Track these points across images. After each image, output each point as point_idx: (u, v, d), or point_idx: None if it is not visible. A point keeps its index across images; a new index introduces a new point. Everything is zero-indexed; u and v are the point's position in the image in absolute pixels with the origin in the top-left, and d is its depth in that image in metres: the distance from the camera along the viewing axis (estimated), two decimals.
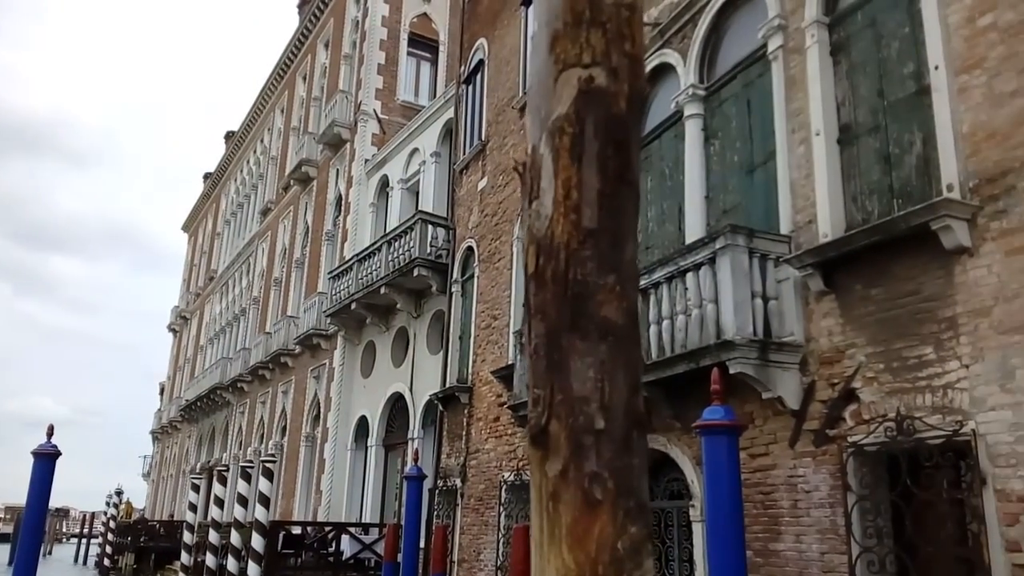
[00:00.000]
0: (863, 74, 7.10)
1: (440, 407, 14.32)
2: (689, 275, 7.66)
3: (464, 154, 15.48)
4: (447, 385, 14.09)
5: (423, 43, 22.53)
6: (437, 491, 13.90)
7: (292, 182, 25.52)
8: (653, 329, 8.12)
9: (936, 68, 6.19)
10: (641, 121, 1.53)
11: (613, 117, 1.42)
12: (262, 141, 31.75)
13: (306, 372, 21.51)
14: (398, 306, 16.71)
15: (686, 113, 9.23)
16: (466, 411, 13.42)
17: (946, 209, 5.72)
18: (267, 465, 14.94)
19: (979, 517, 5.37)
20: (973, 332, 5.62)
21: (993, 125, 5.72)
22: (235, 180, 35.48)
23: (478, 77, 15.53)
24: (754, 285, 7.21)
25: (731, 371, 6.87)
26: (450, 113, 16.83)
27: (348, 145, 21.68)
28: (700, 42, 9.15)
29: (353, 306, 17.57)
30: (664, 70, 9.87)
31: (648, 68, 10.01)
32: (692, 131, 9.15)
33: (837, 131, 7.21)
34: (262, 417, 25.01)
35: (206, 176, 41.92)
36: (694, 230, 8.76)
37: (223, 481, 17.77)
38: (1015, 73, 5.62)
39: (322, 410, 20.12)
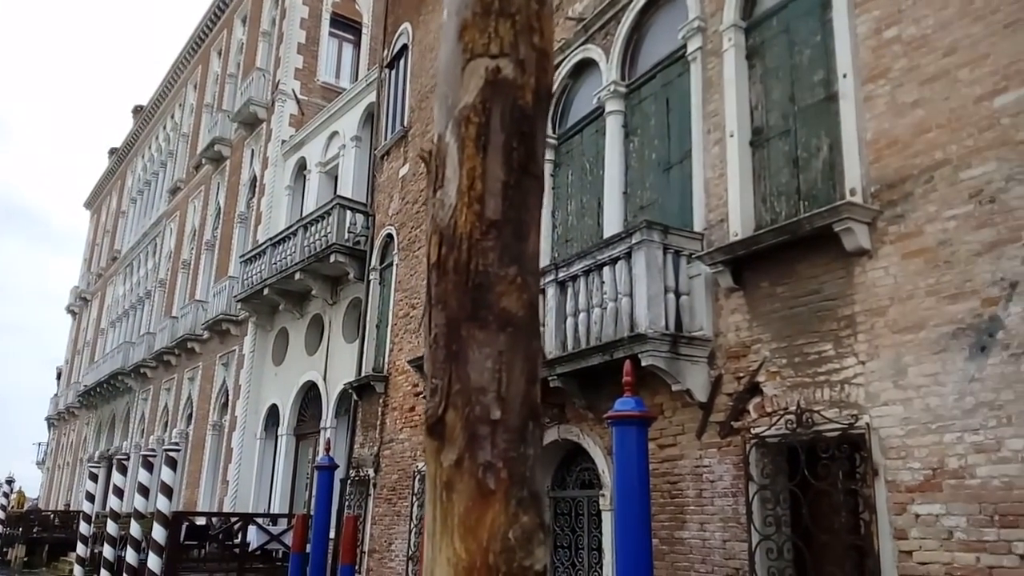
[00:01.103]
0: (776, 79, 7.34)
1: (355, 396, 14.12)
2: (606, 269, 7.77)
3: (386, 139, 15.26)
4: (362, 374, 13.89)
5: (346, 24, 22.05)
6: (349, 481, 13.71)
7: (204, 161, 24.61)
8: (570, 321, 8.22)
9: (844, 76, 6.46)
10: (547, 114, 1.52)
11: (519, 109, 1.42)
12: (173, 117, 30.48)
13: (214, 358, 20.84)
14: (313, 293, 16.36)
15: (607, 109, 9.35)
16: (381, 401, 13.28)
17: (848, 212, 5.98)
18: (170, 454, 14.42)
19: (871, 507, 5.66)
20: (870, 330, 5.91)
21: (895, 133, 6.01)
22: (143, 157, 33.96)
23: (402, 62, 15.32)
24: (667, 280, 7.38)
25: (643, 363, 7.02)
26: (372, 97, 16.54)
27: (264, 125, 21.04)
28: (623, 39, 9.27)
29: (266, 291, 17.10)
30: (587, 65, 9.97)
31: (572, 62, 10.09)
32: (613, 127, 9.28)
33: (750, 133, 7.44)
34: (166, 404, 24.11)
35: (111, 151, 39.94)
36: (612, 225, 8.89)
37: (123, 470, 17.07)
38: (916, 85, 5.92)
39: (230, 398, 19.55)
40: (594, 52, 9.74)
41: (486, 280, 1.37)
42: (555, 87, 10.35)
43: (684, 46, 8.29)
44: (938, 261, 5.55)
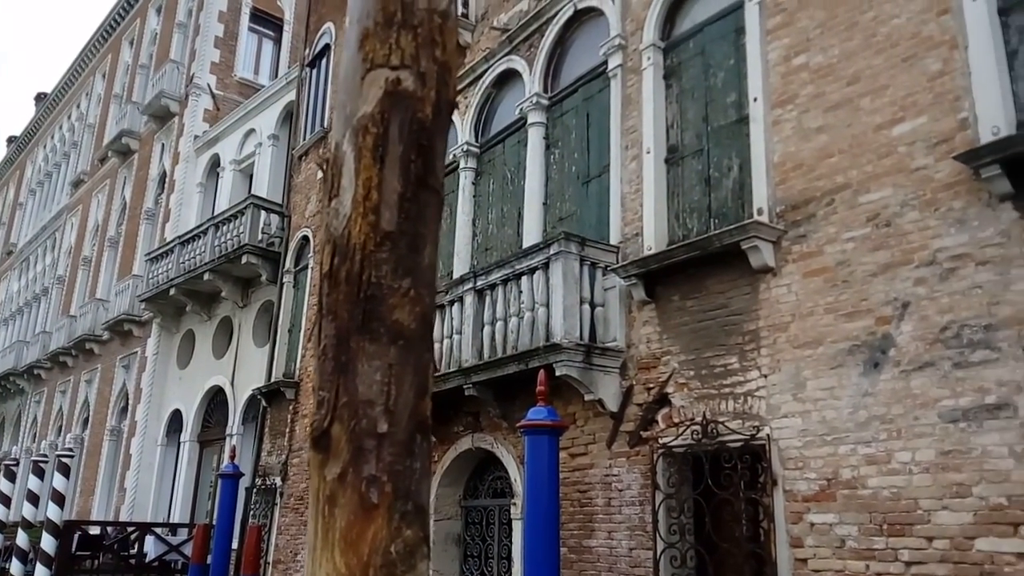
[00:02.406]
0: (692, 99, 7.56)
1: (263, 402, 13.73)
2: (524, 278, 7.82)
3: (304, 139, 14.96)
4: (272, 379, 13.53)
5: (267, 20, 21.52)
6: (255, 490, 13.31)
7: (110, 153, 23.52)
8: (487, 330, 8.23)
9: (755, 100, 6.71)
10: (448, 128, 1.52)
11: (418, 121, 1.41)
12: (78, 107, 29.02)
13: (114, 360, 19.89)
14: (223, 294, 15.83)
15: (529, 120, 9.43)
16: (291, 407, 12.95)
17: (755, 231, 6.20)
18: (63, 460, 13.66)
19: (770, 516, 5.87)
20: (772, 345, 6.14)
21: (800, 157, 6.28)
22: (44, 147, 32.17)
23: (323, 61, 15.07)
24: (583, 291, 7.49)
25: (557, 373, 7.08)
26: (292, 96, 16.19)
27: (177, 119, 20.28)
28: (546, 52, 9.38)
29: (172, 291, 16.44)
30: (511, 75, 10.04)
31: (496, 72, 10.14)
32: (534, 138, 9.36)
33: (666, 151, 7.63)
34: (61, 408, 22.85)
35: (10, 140, 37.72)
36: (532, 235, 8.96)
37: (11, 477, 16.04)
38: (821, 111, 6.20)
39: (131, 402, 18.68)
40: (518, 63, 9.82)
41: (378, 292, 1.35)
42: (479, 96, 10.38)
43: (605, 62, 8.46)
44: (837, 280, 5.81)
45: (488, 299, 8.33)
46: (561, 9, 9.19)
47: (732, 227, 6.43)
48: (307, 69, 15.56)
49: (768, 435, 5.97)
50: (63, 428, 22.32)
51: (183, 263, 16.32)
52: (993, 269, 4.97)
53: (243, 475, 12.23)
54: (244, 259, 14.60)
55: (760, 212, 6.40)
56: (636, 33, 8.11)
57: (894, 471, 5.20)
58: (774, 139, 6.50)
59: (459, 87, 10.66)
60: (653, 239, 7.35)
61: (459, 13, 10.83)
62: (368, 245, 1.36)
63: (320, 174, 13.99)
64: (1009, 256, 4.91)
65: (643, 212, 7.56)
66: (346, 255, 1.38)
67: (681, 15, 7.87)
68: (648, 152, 7.65)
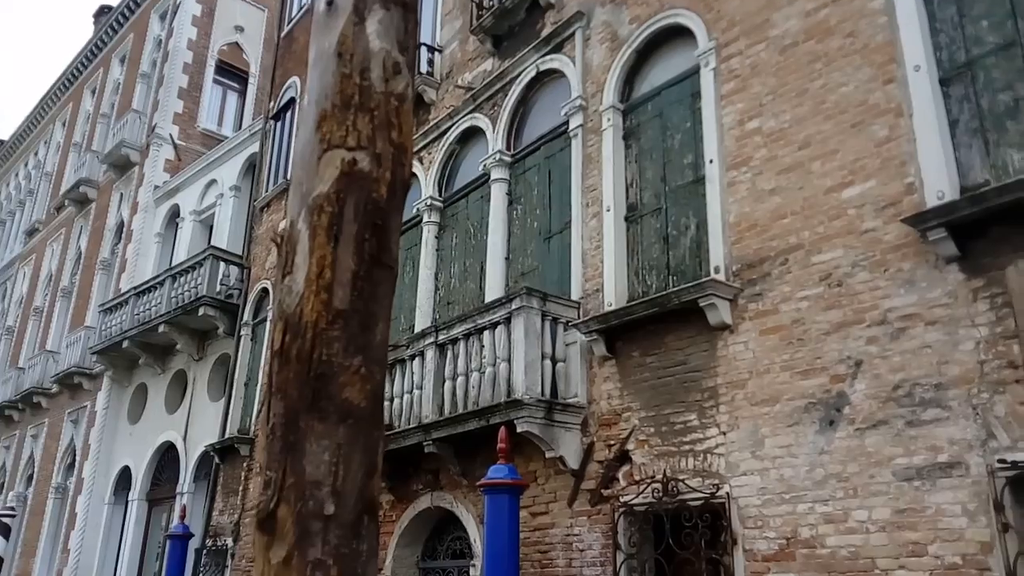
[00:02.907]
0: (650, 159, 7.74)
1: (216, 459, 13.35)
2: (486, 333, 7.81)
3: (267, 191, 14.91)
4: (226, 435, 13.18)
5: (232, 72, 21.61)
6: (205, 551, 12.84)
7: (67, 202, 23.15)
8: (448, 385, 8.17)
9: (711, 162, 6.89)
10: (403, 206, 1.54)
11: (373, 201, 1.43)
12: (36, 154, 28.62)
13: (62, 414, 19.24)
14: (178, 347, 15.49)
15: (492, 176, 9.54)
16: (246, 464, 12.61)
17: (712, 289, 6.31)
18: (4, 520, 13.08)
19: (730, 575, 5.82)
20: (731, 402, 6.18)
21: (754, 217, 6.43)
22: None
23: (288, 114, 15.14)
24: (545, 347, 7.49)
25: (519, 430, 7.03)
26: (255, 147, 16.19)
27: (137, 169, 20.09)
28: (509, 111, 9.55)
29: (125, 344, 16.05)
30: (475, 132, 10.18)
31: (460, 129, 10.29)
32: (497, 194, 9.46)
33: (625, 209, 7.77)
34: (4, 464, 21.94)
35: None
36: (494, 289, 8.98)
37: None
38: (774, 174, 6.39)
39: (78, 458, 18.02)
40: (481, 121, 9.98)
41: (329, 370, 1.34)
42: (443, 151, 10.50)
43: (567, 122, 8.63)
44: (792, 338, 5.91)
45: (450, 353, 8.28)
46: (524, 70, 9.40)
47: (690, 285, 6.53)
48: (271, 121, 15.61)
49: (728, 493, 5.97)
50: (5, 486, 21.40)
51: (138, 315, 15.98)
52: (941, 329, 5.10)
53: (193, 536, 11.81)
54: (201, 311, 14.35)
55: (717, 270, 6.52)
56: (596, 95, 8.32)
57: (851, 530, 5.23)
58: (729, 200, 6.66)
59: (424, 143, 10.78)
60: (613, 295, 7.42)
61: (424, 71, 11.01)
62: (320, 323, 1.35)
63: (282, 224, 13.91)
64: (956, 317, 5.05)
65: (604, 268, 7.64)
66: (297, 333, 1.37)
67: (639, 79, 8.10)
68: (608, 210, 7.77)
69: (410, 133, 1.51)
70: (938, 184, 5.30)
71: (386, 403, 8.90)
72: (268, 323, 13.13)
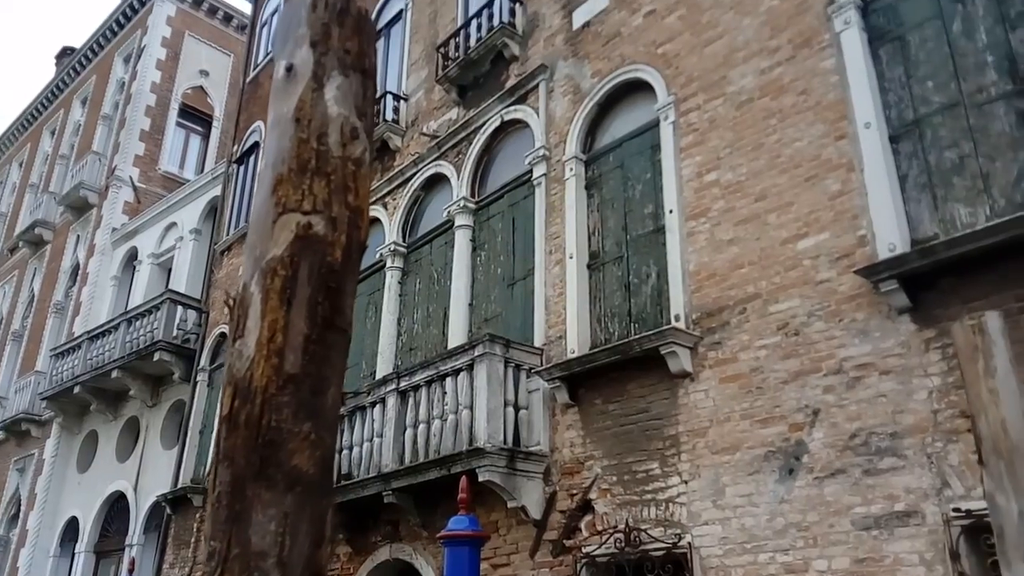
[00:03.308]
0: (612, 208, 7.86)
1: (168, 510, 12.94)
2: (448, 380, 7.76)
3: (228, 235, 14.77)
4: (179, 485, 12.80)
5: (196, 116, 21.55)
6: None
7: (21, 244, 22.66)
8: (409, 433, 8.07)
9: (671, 212, 7.02)
10: (358, 269, 1.55)
11: (328, 264, 1.43)
12: None
13: (8, 463, 18.54)
14: (131, 393, 15.10)
15: (457, 223, 9.59)
16: (198, 516, 12.23)
17: (673, 337, 6.37)
18: None
19: None
20: (692, 451, 6.20)
21: (713, 267, 6.54)
22: None
23: (252, 159, 15.09)
24: (507, 394, 7.46)
25: (480, 479, 6.95)
26: (217, 191, 16.08)
27: (95, 211, 19.79)
28: (474, 159, 9.65)
29: (77, 389, 15.60)
30: (439, 179, 10.26)
31: (425, 175, 10.36)
32: (461, 240, 9.50)
33: (588, 256, 7.85)
34: None
35: None
36: (457, 335, 8.95)
37: None
38: (732, 224, 6.53)
39: (23, 508, 17.33)
40: (446, 168, 10.06)
41: (278, 437, 1.33)
42: (407, 198, 10.54)
43: (530, 171, 8.75)
44: (751, 387, 5.97)
45: (411, 400, 8.20)
46: (489, 120, 9.54)
47: (651, 332, 6.58)
48: (234, 165, 15.54)
49: (690, 543, 5.94)
50: None
51: (90, 359, 15.58)
52: (896, 379, 5.20)
53: None
54: (156, 356, 14.05)
55: (677, 318, 6.59)
56: (559, 145, 8.46)
57: None
58: (689, 249, 6.78)
59: (389, 189, 10.82)
60: (576, 342, 7.45)
61: (390, 119, 11.09)
62: (270, 388, 1.34)
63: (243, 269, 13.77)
64: (910, 366, 5.16)
65: (567, 315, 7.68)
66: (247, 398, 1.35)
67: (601, 130, 8.27)
68: (571, 257, 7.84)
69: (367, 196, 1.53)
70: (889, 237, 5.46)
71: (345, 451, 8.75)
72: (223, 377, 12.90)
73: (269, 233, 1.43)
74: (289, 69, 1.53)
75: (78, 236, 20.20)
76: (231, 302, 1.48)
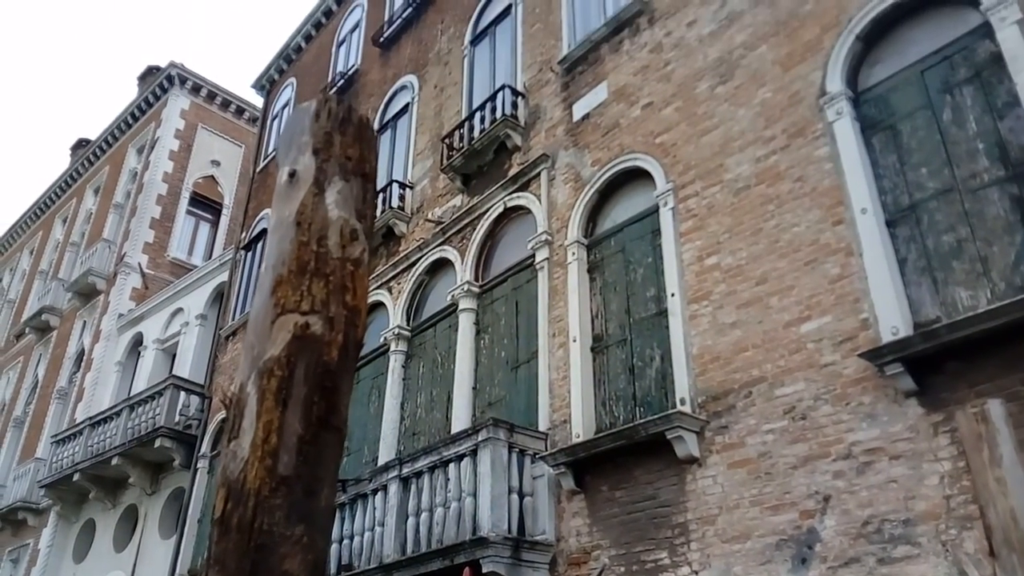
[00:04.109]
0: (615, 292, 7.92)
1: None
2: (451, 466, 7.65)
3: (233, 320, 14.85)
4: (176, 575, 12.46)
5: (206, 204, 21.99)
6: None
7: (28, 330, 22.78)
8: (411, 521, 7.90)
9: (673, 295, 7.07)
10: (354, 367, 1.57)
11: (324, 364, 1.45)
12: (0, 282, 28.38)
13: (2, 553, 18.11)
14: (131, 480, 14.88)
15: (460, 306, 9.65)
16: None
17: (679, 421, 6.31)
18: None
19: None
20: (701, 539, 6.05)
21: (717, 350, 6.54)
22: None
23: (259, 245, 15.32)
24: (512, 480, 7.34)
25: (484, 570, 6.76)
26: (224, 276, 16.26)
27: (103, 297, 19.96)
28: (477, 244, 9.80)
29: (76, 477, 15.38)
30: (443, 264, 10.39)
31: (429, 260, 10.49)
32: (465, 324, 9.54)
33: (591, 339, 7.86)
34: None
35: None
36: (460, 419, 8.88)
37: None
38: (734, 308, 6.56)
39: None
40: (450, 253, 10.20)
41: (270, 541, 1.32)
42: (411, 282, 10.65)
43: (533, 255, 8.86)
44: (760, 472, 5.88)
45: (414, 488, 8.06)
46: (492, 206, 9.73)
47: (656, 417, 6.52)
48: (242, 251, 15.76)
49: None
50: None
51: (91, 446, 15.42)
52: (906, 463, 5.13)
53: None
54: (158, 442, 13.91)
55: (683, 402, 6.54)
56: (561, 230, 8.60)
57: None
58: (692, 332, 6.79)
59: (394, 273, 10.94)
60: (581, 426, 7.37)
61: (396, 206, 11.32)
62: (263, 490, 1.34)
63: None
64: (919, 451, 5.09)
65: (571, 399, 7.63)
66: (239, 501, 1.34)
67: (602, 216, 8.42)
68: (574, 340, 7.85)
69: (364, 295, 1.56)
70: (892, 320, 5.48)
71: (346, 541, 8.54)
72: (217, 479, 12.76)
73: (267, 333, 1.46)
74: (292, 175, 1.59)
75: (84, 322, 20.32)
76: (227, 401, 1.50)
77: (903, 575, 4.89)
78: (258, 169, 16.97)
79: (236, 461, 1.37)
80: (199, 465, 13.52)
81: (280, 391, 1.40)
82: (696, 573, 5.99)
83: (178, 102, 22.13)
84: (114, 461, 14.58)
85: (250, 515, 1.32)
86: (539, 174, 9.22)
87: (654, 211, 7.69)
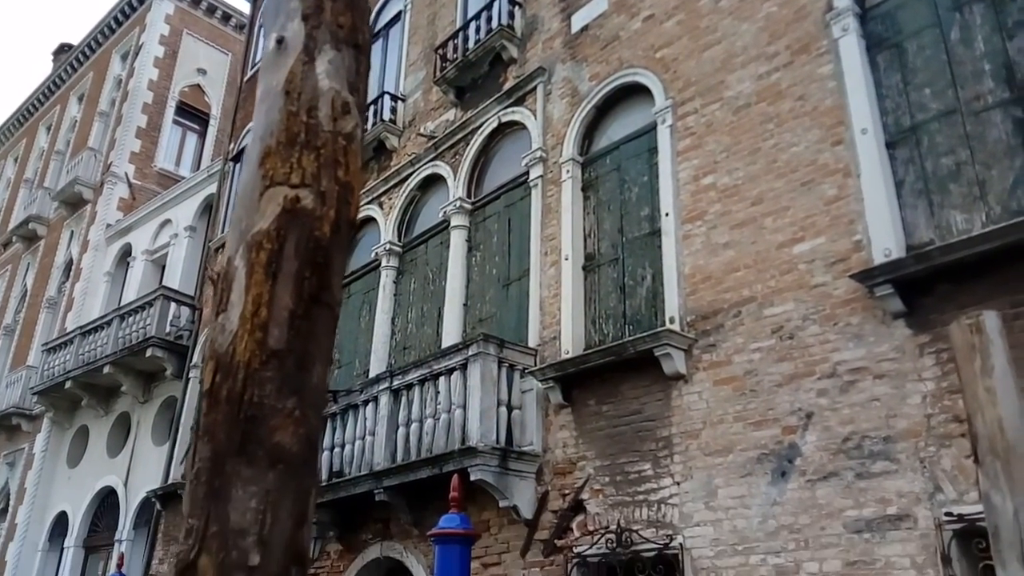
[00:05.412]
0: (608, 211, 7.87)
1: (158, 505, 12.88)
2: (442, 379, 7.75)
3: (222, 232, 14.73)
4: (169, 481, 12.74)
5: (193, 113, 21.50)
6: None
7: (15, 239, 22.58)
8: (402, 431, 8.05)
9: (667, 215, 7.03)
10: (347, 245, 1.52)
11: (315, 239, 1.40)
12: None
13: None
14: (123, 389, 15.03)
15: (452, 223, 9.59)
16: None
17: (667, 339, 6.37)
18: None
19: None
20: (684, 452, 6.20)
21: (709, 270, 6.55)
22: None
23: None
24: (500, 394, 7.45)
25: (472, 478, 6.93)
26: (213, 188, 16.04)
27: (90, 207, 19.72)
28: (470, 160, 9.66)
29: (68, 384, 15.52)
30: (436, 180, 10.25)
31: (421, 176, 10.35)
32: (457, 241, 9.50)
33: (583, 258, 7.85)
34: None
35: None
36: (451, 335, 8.94)
37: None
38: (728, 228, 6.54)
39: (12, 502, 17.23)
40: (443, 169, 10.06)
41: (260, 412, 1.29)
42: (403, 197, 10.53)
43: (527, 173, 8.75)
44: (745, 389, 5.98)
45: (404, 399, 8.18)
46: (486, 121, 9.54)
47: (646, 334, 6.59)
48: (231, 163, 15.51)
49: (681, 544, 5.94)
50: None
51: (83, 355, 15.51)
52: (889, 383, 5.22)
53: None
54: (149, 352, 13.99)
55: (672, 321, 6.59)
56: (556, 147, 8.47)
57: None
58: (684, 252, 6.79)
59: (385, 188, 10.81)
60: (570, 343, 7.44)
61: (387, 119, 11.07)
62: (253, 363, 1.31)
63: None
64: (903, 371, 5.17)
65: (561, 316, 7.68)
66: (229, 373, 1.32)
67: (599, 133, 8.28)
68: (566, 259, 7.84)
69: (358, 173, 1.50)
70: (885, 242, 5.48)
71: (337, 449, 8.72)
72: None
73: (255, 206, 1.41)
74: (280, 41, 1.51)
75: (72, 232, 20.14)
76: (215, 276, 1.47)
77: (880, 489, 5.04)
78: (246, 78, 16.52)
79: (225, 334, 1.35)
80: (191, 375, 13.63)
81: (270, 264, 1.36)
82: (678, 484, 6.16)
83: (162, 6, 21.37)
84: (106, 370, 14.69)
85: (240, 387, 1.30)
86: (535, 88, 9.02)
87: (651, 129, 7.57)
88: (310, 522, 1.35)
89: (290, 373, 1.32)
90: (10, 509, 17.24)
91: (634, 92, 7.94)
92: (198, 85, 21.63)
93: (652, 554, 6.06)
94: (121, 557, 11.43)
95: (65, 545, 15.49)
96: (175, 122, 21.05)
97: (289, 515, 1.27)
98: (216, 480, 1.26)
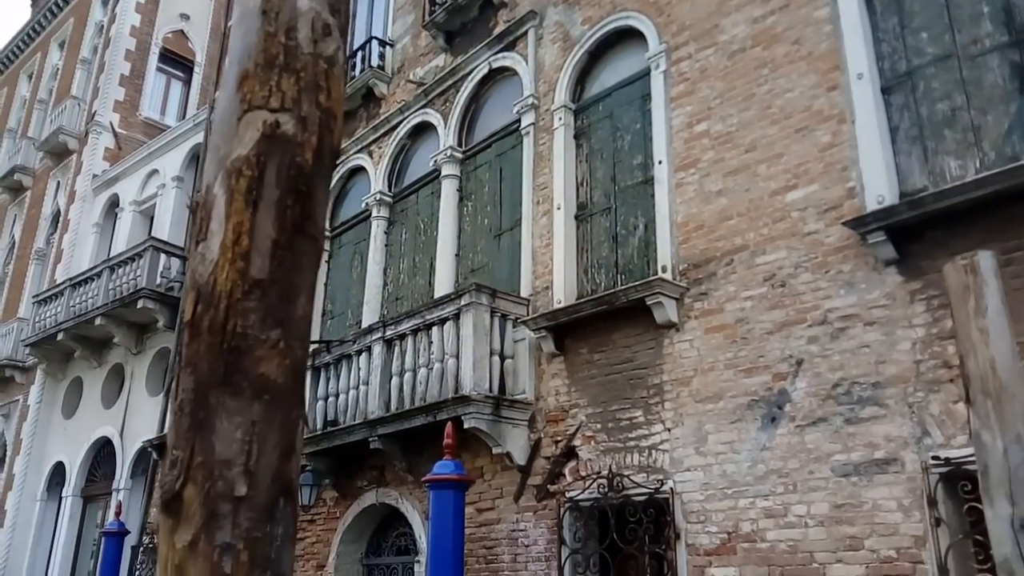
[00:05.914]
0: (601, 159, 7.79)
1: (154, 455, 12.98)
2: (435, 329, 7.77)
3: None
4: (165, 431, 12.82)
5: (176, 61, 21.02)
6: (142, 549, 12.48)
7: (1, 189, 22.28)
8: (395, 381, 8.10)
9: (660, 163, 6.97)
10: (330, 174, 1.48)
11: (297, 166, 1.36)
12: None
13: None
14: (115, 340, 15.02)
15: (443, 172, 9.49)
16: None
17: (659, 287, 6.38)
18: None
19: (673, 570, 5.90)
20: (675, 399, 6.27)
21: (701, 218, 6.53)
22: None
23: None
24: (493, 343, 7.48)
25: (466, 425, 7.01)
26: (199, 137, 15.79)
27: (75, 157, 19.41)
28: (461, 107, 9.51)
29: (60, 336, 15.50)
30: (426, 128, 10.12)
31: (411, 124, 10.20)
32: (448, 190, 9.42)
33: (575, 207, 7.81)
34: None
35: None
36: (443, 285, 8.94)
37: None
38: (721, 175, 6.50)
39: (8, 453, 17.36)
40: (433, 116, 9.92)
41: (243, 343, 1.27)
42: (393, 146, 10.40)
43: (518, 120, 8.64)
44: (736, 337, 6.02)
45: (397, 349, 8.21)
46: (477, 67, 9.38)
47: (638, 283, 6.59)
48: None
49: (671, 488, 6.05)
50: None
51: (74, 307, 15.45)
52: (880, 329, 5.25)
53: (129, 533, 11.48)
54: (140, 304, 13.94)
55: (664, 269, 6.60)
56: (548, 94, 8.34)
57: (791, 524, 5.35)
58: (677, 200, 6.75)
59: (374, 137, 10.67)
60: (563, 292, 7.45)
61: (376, 65, 10.86)
62: (235, 293, 1.28)
63: None
64: (894, 318, 5.21)
65: (553, 266, 7.67)
66: (210, 303, 1.29)
67: (591, 79, 8.15)
68: (559, 208, 7.80)
69: (340, 98, 1.46)
70: (878, 189, 5.46)
71: (331, 399, 8.79)
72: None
73: (234, 131, 1.36)
74: None
75: (58, 182, 19.86)
76: (194, 205, 1.43)
77: (868, 434, 5.12)
78: (230, 23, 16.11)
79: (205, 264, 1.31)
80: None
81: (250, 192, 1.32)
82: (669, 430, 6.24)
83: None
84: (97, 321, 14.66)
85: (222, 317, 1.28)
86: (526, 33, 8.84)
87: (645, 74, 7.45)
88: (298, 454, 1.34)
89: (273, 304, 1.30)
90: (7, 460, 17.38)
91: (627, 36, 7.80)
92: (181, 31, 21.11)
93: (643, 498, 6.17)
94: (119, 506, 11.58)
95: (63, 495, 15.67)
96: (159, 69, 20.59)
97: (276, 446, 1.27)
98: (200, 411, 1.25)
